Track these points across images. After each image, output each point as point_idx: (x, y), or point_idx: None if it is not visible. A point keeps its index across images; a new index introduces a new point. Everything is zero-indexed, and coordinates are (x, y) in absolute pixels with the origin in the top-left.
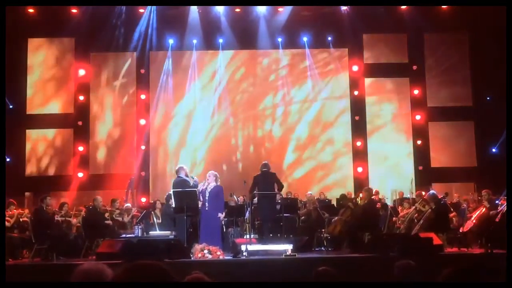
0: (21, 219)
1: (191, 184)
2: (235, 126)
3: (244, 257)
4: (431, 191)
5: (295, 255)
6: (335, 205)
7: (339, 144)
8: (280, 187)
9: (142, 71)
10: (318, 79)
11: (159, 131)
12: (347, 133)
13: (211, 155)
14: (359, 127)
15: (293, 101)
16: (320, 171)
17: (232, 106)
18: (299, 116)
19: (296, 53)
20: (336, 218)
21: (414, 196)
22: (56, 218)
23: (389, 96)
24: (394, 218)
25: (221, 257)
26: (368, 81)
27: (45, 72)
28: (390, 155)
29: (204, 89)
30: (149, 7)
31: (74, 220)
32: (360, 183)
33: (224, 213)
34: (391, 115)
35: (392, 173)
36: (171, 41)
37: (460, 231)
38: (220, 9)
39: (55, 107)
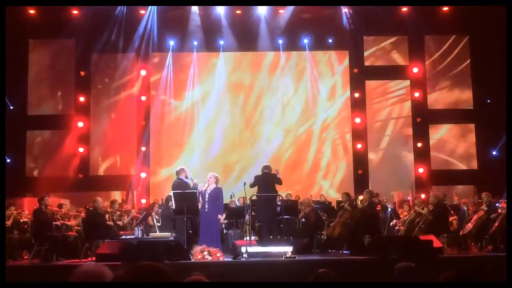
0: (21, 220)
1: (191, 185)
2: (235, 127)
3: (244, 259)
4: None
5: (295, 257)
6: (334, 207)
7: (339, 146)
8: (278, 183)
9: (143, 72)
10: (319, 81)
11: (159, 132)
12: (347, 135)
13: (211, 156)
14: (359, 129)
15: (293, 103)
16: (320, 173)
17: (233, 108)
18: (299, 118)
19: (296, 55)
20: (335, 220)
21: (414, 199)
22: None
23: (390, 99)
24: (394, 221)
25: (221, 258)
26: (368, 83)
27: (46, 73)
28: (391, 157)
29: (204, 91)
30: (149, 8)
31: (73, 222)
32: (360, 186)
33: (224, 215)
34: (392, 117)
35: (392, 176)
36: (171, 43)
37: (460, 233)
38: (220, 11)
39: (55, 108)
